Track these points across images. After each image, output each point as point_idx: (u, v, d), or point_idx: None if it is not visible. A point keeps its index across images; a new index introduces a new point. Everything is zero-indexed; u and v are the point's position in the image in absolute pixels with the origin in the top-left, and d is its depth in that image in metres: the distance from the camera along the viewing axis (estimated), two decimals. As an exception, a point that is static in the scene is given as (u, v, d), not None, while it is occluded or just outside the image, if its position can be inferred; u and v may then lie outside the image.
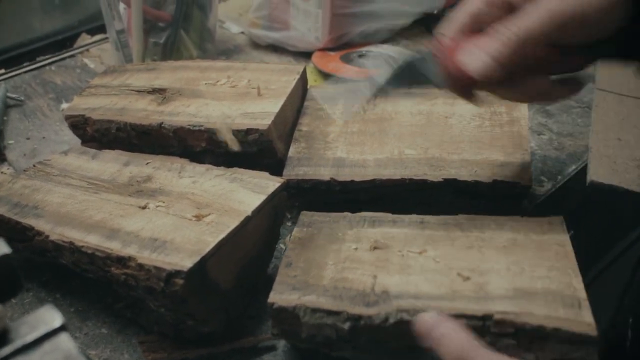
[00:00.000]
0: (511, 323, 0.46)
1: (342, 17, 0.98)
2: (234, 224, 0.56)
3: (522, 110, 0.71)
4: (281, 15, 1.01)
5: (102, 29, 1.03)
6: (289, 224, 0.71)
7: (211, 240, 0.54)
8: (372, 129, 0.72)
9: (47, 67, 1.01)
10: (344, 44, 1.00)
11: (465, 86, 0.54)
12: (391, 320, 0.48)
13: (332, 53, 0.98)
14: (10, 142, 0.86)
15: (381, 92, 0.56)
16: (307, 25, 0.98)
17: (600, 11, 0.47)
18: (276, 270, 0.65)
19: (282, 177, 0.63)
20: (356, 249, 0.56)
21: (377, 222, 0.59)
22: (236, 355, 0.57)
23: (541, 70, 0.53)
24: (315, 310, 0.50)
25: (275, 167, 0.68)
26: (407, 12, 1.03)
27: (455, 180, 0.63)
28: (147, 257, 0.53)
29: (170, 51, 0.92)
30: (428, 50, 0.55)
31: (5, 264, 0.35)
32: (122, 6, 0.91)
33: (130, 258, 0.53)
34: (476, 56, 0.50)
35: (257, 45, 1.05)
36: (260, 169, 0.63)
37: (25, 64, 1.01)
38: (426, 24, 1.07)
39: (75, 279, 0.62)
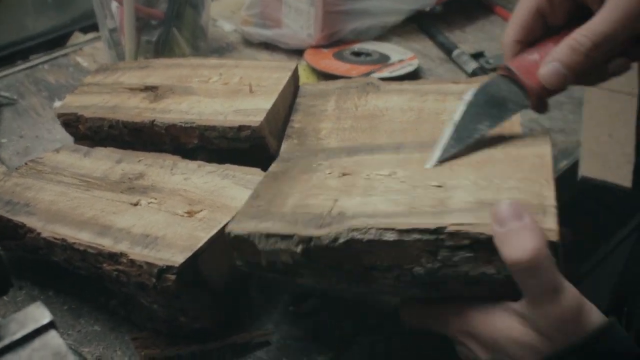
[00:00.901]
0: (466, 234, 0.44)
1: (334, 15, 0.98)
2: (225, 219, 0.56)
3: (513, 106, 0.71)
4: (273, 13, 1.01)
5: (94, 27, 1.02)
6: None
7: (203, 236, 0.54)
8: (363, 126, 0.72)
9: (40, 66, 1.01)
10: (337, 41, 1.00)
11: (545, 98, 0.54)
12: (341, 240, 0.47)
13: (324, 50, 0.98)
14: (4, 140, 0.86)
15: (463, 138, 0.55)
16: (299, 23, 0.98)
17: None
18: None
19: (274, 174, 0.63)
20: (326, 177, 0.56)
21: (354, 151, 0.58)
22: (229, 351, 0.57)
23: (616, 56, 0.52)
24: (269, 236, 0.50)
25: (267, 163, 0.68)
26: (399, 10, 1.04)
27: (446, 175, 0.63)
28: (139, 253, 0.53)
29: (162, 49, 0.92)
30: (499, 75, 0.55)
31: (-6, 261, 0.35)
32: (114, 4, 0.91)
33: (122, 254, 0.53)
34: (554, 69, 0.51)
35: (249, 43, 1.05)
36: (253, 166, 0.63)
37: (18, 63, 1.01)
38: (418, 21, 1.07)
39: (67, 276, 0.62)
